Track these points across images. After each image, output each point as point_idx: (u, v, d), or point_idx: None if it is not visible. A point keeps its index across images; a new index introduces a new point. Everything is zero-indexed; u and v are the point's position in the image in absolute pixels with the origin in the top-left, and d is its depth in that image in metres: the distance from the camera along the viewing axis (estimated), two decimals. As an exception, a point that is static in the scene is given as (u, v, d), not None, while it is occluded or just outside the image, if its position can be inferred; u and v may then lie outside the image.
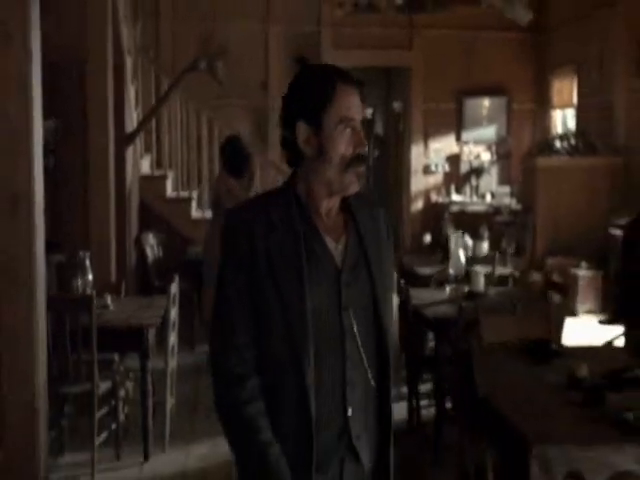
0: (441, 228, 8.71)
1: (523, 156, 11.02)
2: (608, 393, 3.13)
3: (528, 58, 12.06)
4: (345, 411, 2.10)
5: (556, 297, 5.10)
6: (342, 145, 2.11)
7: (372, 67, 11.72)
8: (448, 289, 5.23)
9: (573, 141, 10.18)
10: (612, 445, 2.79)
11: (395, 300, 2.69)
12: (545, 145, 10.33)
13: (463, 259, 5.65)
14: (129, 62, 8.12)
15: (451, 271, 5.54)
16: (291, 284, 2.07)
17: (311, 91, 2.10)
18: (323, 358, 2.08)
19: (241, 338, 2.07)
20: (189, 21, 10.75)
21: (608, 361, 3.59)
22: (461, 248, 5.75)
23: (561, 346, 3.98)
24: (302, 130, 2.10)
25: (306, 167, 2.14)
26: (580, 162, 9.84)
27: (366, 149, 2.14)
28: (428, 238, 8.95)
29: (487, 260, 6.67)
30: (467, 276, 5.38)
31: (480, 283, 5.19)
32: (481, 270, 5.34)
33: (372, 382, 2.15)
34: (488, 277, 6.16)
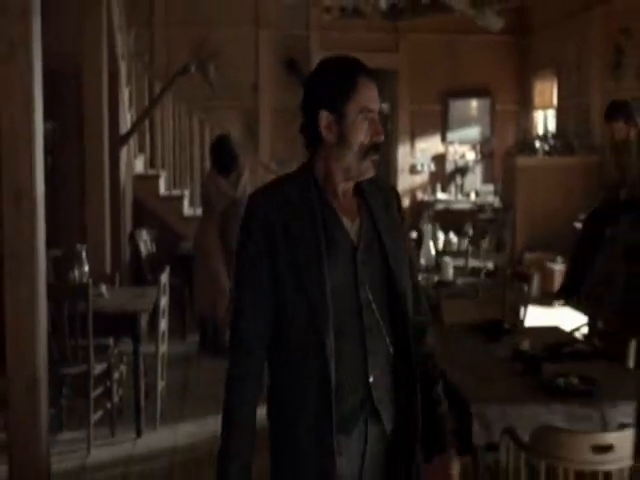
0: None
1: (504, 156, 11.40)
2: (545, 364, 3.54)
3: (511, 60, 12.35)
4: (367, 378, 2.20)
5: (520, 285, 5.49)
6: (361, 134, 2.20)
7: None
8: (420, 278, 5.62)
9: (552, 141, 10.57)
10: (542, 405, 3.19)
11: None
12: (525, 145, 10.71)
13: (433, 250, 6.04)
14: (123, 67, 8.49)
15: (422, 261, 5.93)
16: (311, 266, 2.17)
17: (335, 81, 2.20)
18: (344, 331, 2.18)
19: (253, 339, 2.20)
20: (182, 27, 11.04)
21: (552, 338, 3.99)
22: (431, 240, 6.15)
23: (515, 326, 4.39)
24: (324, 117, 2.19)
25: (325, 152, 2.24)
26: (558, 161, 10.22)
27: (382, 138, 2.23)
28: (414, 234, 9.34)
29: (462, 254, 7.08)
30: (438, 266, 5.78)
31: (449, 273, 5.59)
32: (450, 261, 5.73)
33: (391, 349, 2.25)
34: (462, 269, 6.58)
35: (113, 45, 7.38)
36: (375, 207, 2.30)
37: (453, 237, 7.72)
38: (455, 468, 2.35)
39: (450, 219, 11.27)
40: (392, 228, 2.31)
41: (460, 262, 6.75)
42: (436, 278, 5.59)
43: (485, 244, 9.12)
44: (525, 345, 3.66)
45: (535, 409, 3.19)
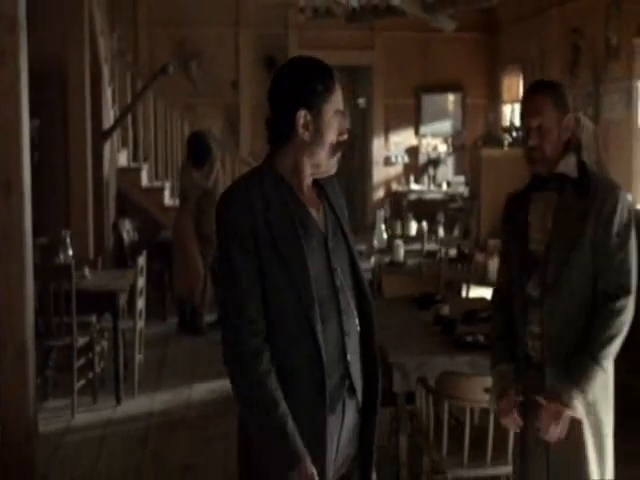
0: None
1: (471, 148, 11.94)
2: (460, 325, 4.13)
3: (481, 57, 12.75)
4: (345, 357, 2.31)
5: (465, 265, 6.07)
6: (333, 133, 2.32)
7: (337, 66, 12.50)
8: (373, 259, 6.22)
9: (515, 133, 11.14)
10: (451, 356, 3.79)
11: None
12: (490, 137, 11.27)
13: (385, 234, 6.63)
14: (106, 68, 9.03)
15: (375, 243, 6.50)
16: (295, 258, 2.25)
17: (317, 82, 2.28)
18: (326, 315, 2.27)
19: (252, 311, 2.22)
20: (165, 27, 11.42)
21: (474, 306, 4.58)
22: (383, 224, 6.74)
23: (445, 297, 4.97)
24: (302, 115, 2.28)
25: (296, 148, 2.32)
26: (520, 153, 10.72)
27: (346, 137, 2.35)
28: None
29: (419, 238, 7.68)
30: (390, 248, 6.36)
31: (400, 254, 6.18)
32: (401, 244, 6.32)
33: (358, 328, 2.37)
34: (419, 251, 7.18)
35: (96, 48, 7.94)
36: (332, 196, 2.43)
37: (413, 224, 8.28)
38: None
39: (423, 208, 11.74)
40: (344, 215, 2.45)
41: (417, 246, 7.35)
42: (387, 259, 6.17)
43: (456, 231, 9.75)
44: (445, 310, 4.26)
45: (445, 360, 3.78)
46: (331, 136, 2.33)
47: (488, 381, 3.28)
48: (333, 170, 2.39)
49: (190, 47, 11.70)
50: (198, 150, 7.63)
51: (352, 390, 2.35)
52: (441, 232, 8.38)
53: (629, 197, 2.88)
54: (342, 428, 2.35)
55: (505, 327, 2.97)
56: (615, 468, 2.94)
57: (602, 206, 2.74)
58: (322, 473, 2.24)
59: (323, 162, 2.35)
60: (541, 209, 2.88)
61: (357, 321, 2.37)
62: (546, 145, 2.81)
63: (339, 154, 2.36)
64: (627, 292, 2.75)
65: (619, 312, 2.71)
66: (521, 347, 2.91)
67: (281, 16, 12.05)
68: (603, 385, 2.82)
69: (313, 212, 2.36)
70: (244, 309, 2.22)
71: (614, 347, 2.73)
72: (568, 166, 2.82)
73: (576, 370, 2.72)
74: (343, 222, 2.42)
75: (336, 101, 2.31)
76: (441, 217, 9.64)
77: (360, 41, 12.38)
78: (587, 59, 9.71)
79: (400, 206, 12.14)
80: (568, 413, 2.73)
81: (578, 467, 2.82)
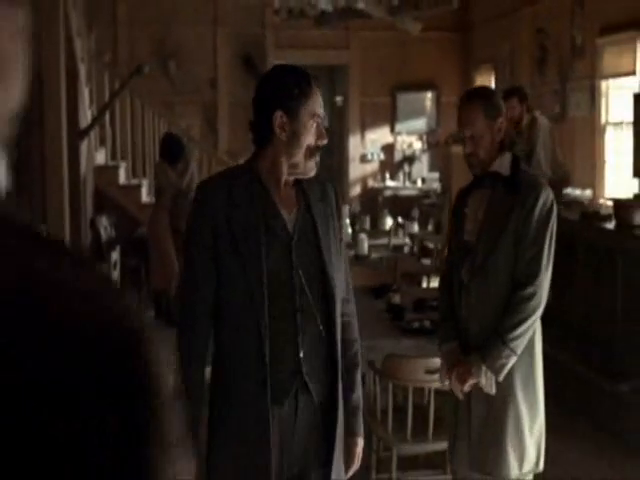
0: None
1: (442, 145, 12.19)
2: (409, 313, 4.39)
3: (455, 56, 12.97)
4: (298, 353, 2.41)
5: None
6: (310, 136, 2.41)
7: (313, 65, 12.72)
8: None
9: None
10: (398, 340, 4.04)
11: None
12: (459, 135, 11.52)
13: (350, 228, 6.89)
14: (83, 68, 9.23)
15: (340, 238, 6.75)
16: (250, 253, 2.36)
17: (293, 86, 2.40)
18: (278, 311, 2.38)
19: (205, 292, 2.40)
20: (144, 26, 11.58)
21: (424, 296, 4.84)
22: (348, 219, 6.99)
23: (400, 287, 5.22)
24: (279, 117, 2.39)
25: (275, 148, 2.43)
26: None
27: (325, 142, 2.44)
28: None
29: (387, 233, 7.95)
30: (355, 242, 6.62)
31: (364, 247, 6.43)
32: (365, 237, 6.57)
33: (321, 328, 2.44)
34: (386, 245, 7.43)
35: (72, 48, 8.15)
36: (312, 199, 2.49)
37: (389, 220, 8.53)
38: (359, 449, 2.64)
39: (398, 204, 11.99)
40: (326, 219, 2.50)
41: (384, 241, 7.61)
42: (352, 252, 6.41)
43: (430, 226, 10.01)
44: (396, 299, 4.52)
45: (393, 344, 4.04)
46: (308, 138, 2.42)
47: (430, 363, 3.55)
48: (311, 172, 2.47)
49: (169, 46, 11.87)
50: (172, 149, 7.83)
51: (306, 387, 2.44)
52: (415, 227, 8.63)
53: (551, 195, 3.14)
54: (296, 422, 2.44)
55: (450, 309, 3.23)
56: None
57: (525, 202, 3.02)
58: (267, 463, 2.36)
59: (300, 163, 2.44)
60: (476, 204, 3.16)
61: (319, 320, 2.45)
62: (480, 151, 3.09)
63: (317, 157, 2.45)
64: (534, 280, 3.00)
65: (528, 298, 2.98)
66: (459, 327, 3.18)
67: (258, 16, 12.18)
68: (525, 374, 3.07)
69: (284, 213, 2.45)
70: (198, 289, 2.42)
71: (522, 330, 2.99)
72: (502, 165, 3.09)
73: (486, 349, 2.99)
74: (320, 226, 2.48)
75: (313, 105, 2.42)
76: (415, 213, 9.90)
77: (336, 41, 12.51)
78: (554, 58, 9.97)
79: (376, 202, 12.38)
80: (471, 380, 3.02)
81: (495, 448, 3.09)
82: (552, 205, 3.07)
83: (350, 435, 2.61)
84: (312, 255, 2.46)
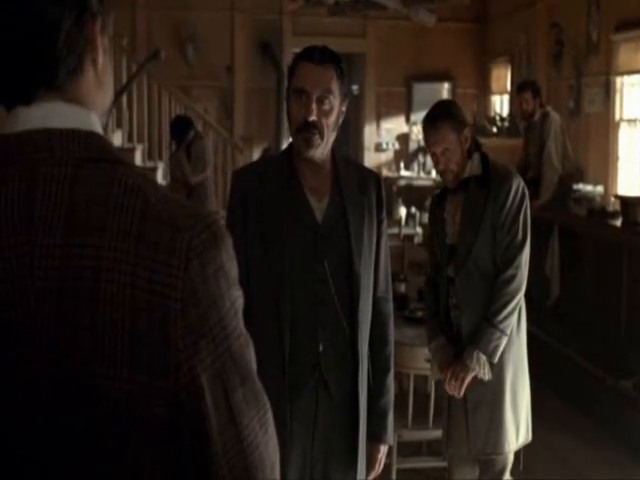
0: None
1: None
2: (413, 302, 4.47)
3: (471, 47, 12.95)
4: (318, 347, 2.34)
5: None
6: (296, 112, 2.33)
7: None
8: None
9: (500, 124, 11.43)
10: (400, 329, 4.11)
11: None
12: (476, 127, 11.55)
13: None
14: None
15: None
16: (274, 240, 2.30)
17: (292, 62, 2.41)
18: (298, 301, 2.30)
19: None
20: (162, 10, 11.65)
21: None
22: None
23: (406, 276, 5.30)
24: (288, 99, 2.39)
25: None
26: (504, 142, 11.04)
27: (311, 118, 2.30)
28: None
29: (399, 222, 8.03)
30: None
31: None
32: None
33: (344, 323, 2.35)
34: (397, 235, 7.51)
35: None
36: (346, 188, 2.38)
37: (402, 209, 8.61)
38: (380, 456, 2.54)
39: (412, 194, 12.05)
40: (361, 211, 2.39)
41: (395, 230, 7.68)
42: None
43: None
44: (401, 288, 4.60)
45: (396, 333, 4.07)
46: (293, 116, 2.36)
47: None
48: (303, 150, 2.35)
49: (186, 31, 11.92)
50: (180, 128, 7.87)
51: (325, 383, 2.36)
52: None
53: (522, 182, 3.28)
54: (316, 422, 2.36)
55: (434, 308, 3.34)
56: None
57: (497, 195, 3.16)
58: (283, 456, 2.32)
59: (294, 141, 2.38)
60: (453, 208, 3.29)
61: (342, 315, 2.35)
62: (452, 165, 3.23)
63: (305, 135, 2.33)
64: (512, 262, 3.14)
65: (509, 280, 3.12)
66: (446, 320, 3.29)
67: (276, 2, 12.18)
68: (516, 352, 3.20)
69: (314, 201, 2.37)
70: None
71: (508, 311, 3.14)
72: (473, 167, 3.23)
73: (478, 334, 3.10)
74: (352, 217, 2.36)
75: (298, 82, 2.34)
76: (429, 203, 9.91)
77: (353, 29, 12.56)
78: (569, 53, 9.98)
79: (390, 192, 12.42)
80: (469, 376, 3.13)
81: (495, 428, 3.19)
82: (524, 192, 3.22)
83: (373, 440, 2.51)
84: (340, 246, 2.35)
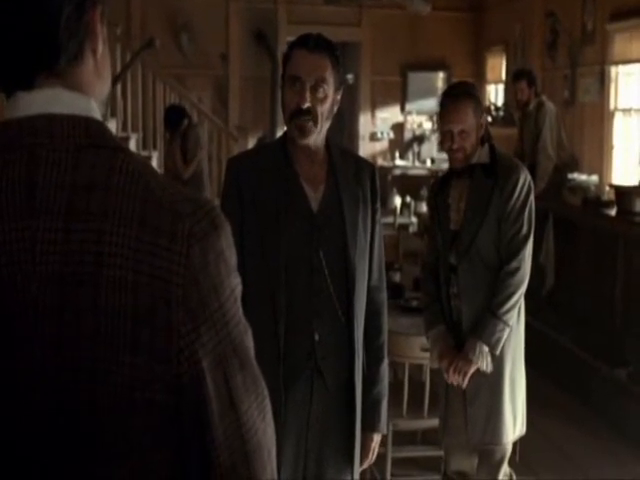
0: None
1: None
2: (408, 292, 4.47)
3: (467, 36, 12.92)
4: (313, 335, 2.34)
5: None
6: (289, 100, 2.34)
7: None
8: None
9: (494, 113, 11.43)
10: (395, 318, 4.12)
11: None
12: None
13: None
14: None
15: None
16: (268, 228, 2.30)
17: (288, 50, 2.42)
18: (294, 290, 2.31)
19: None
20: None
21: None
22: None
23: (401, 266, 5.31)
24: (282, 85, 2.40)
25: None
26: (499, 131, 11.03)
27: (305, 105, 2.30)
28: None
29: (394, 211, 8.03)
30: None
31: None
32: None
33: (339, 313, 2.36)
34: (392, 224, 7.51)
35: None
36: (341, 177, 2.38)
37: (397, 199, 8.60)
38: (374, 445, 2.56)
39: (407, 184, 12.05)
40: (356, 200, 2.39)
41: (390, 219, 7.68)
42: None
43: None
44: (396, 278, 4.60)
45: (391, 322, 4.07)
46: (287, 102, 2.35)
47: (425, 341, 3.63)
48: (296, 137, 2.36)
49: (181, 19, 11.87)
50: (172, 117, 7.85)
51: (320, 372, 2.37)
52: (423, 207, 8.70)
53: (528, 176, 3.29)
54: (310, 412, 2.37)
55: (434, 295, 3.33)
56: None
57: (504, 186, 3.16)
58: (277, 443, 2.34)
59: (287, 129, 2.37)
60: (458, 194, 3.27)
61: (338, 305, 2.36)
62: (467, 146, 3.20)
63: (298, 122, 2.33)
64: (516, 255, 3.14)
65: (512, 273, 3.11)
66: (446, 309, 3.27)
67: (271, -10, 12.19)
68: (515, 343, 3.20)
69: (309, 190, 2.37)
70: None
71: (512, 303, 3.14)
72: (482, 155, 3.21)
73: (480, 326, 3.10)
74: (347, 206, 2.37)
75: (292, 69, 2.35)
76: (424, 192, 9.93)
77: (348, 18, 12.52)
78: (564, 43, 9.98)
79: (385, 181, 12.40)
80: (472, 370, 3.14)
81: (494, 417, 3.20)
82: (530, 185, 3.22)
83: (366, 429, 2.51)
84: (336, 236, 2.36)
